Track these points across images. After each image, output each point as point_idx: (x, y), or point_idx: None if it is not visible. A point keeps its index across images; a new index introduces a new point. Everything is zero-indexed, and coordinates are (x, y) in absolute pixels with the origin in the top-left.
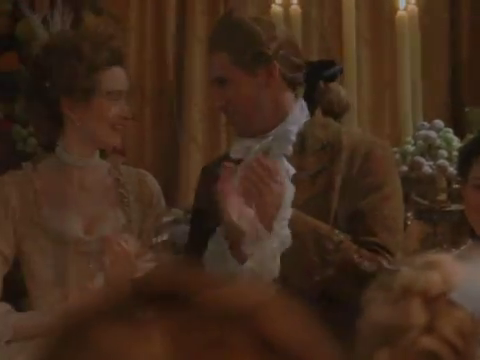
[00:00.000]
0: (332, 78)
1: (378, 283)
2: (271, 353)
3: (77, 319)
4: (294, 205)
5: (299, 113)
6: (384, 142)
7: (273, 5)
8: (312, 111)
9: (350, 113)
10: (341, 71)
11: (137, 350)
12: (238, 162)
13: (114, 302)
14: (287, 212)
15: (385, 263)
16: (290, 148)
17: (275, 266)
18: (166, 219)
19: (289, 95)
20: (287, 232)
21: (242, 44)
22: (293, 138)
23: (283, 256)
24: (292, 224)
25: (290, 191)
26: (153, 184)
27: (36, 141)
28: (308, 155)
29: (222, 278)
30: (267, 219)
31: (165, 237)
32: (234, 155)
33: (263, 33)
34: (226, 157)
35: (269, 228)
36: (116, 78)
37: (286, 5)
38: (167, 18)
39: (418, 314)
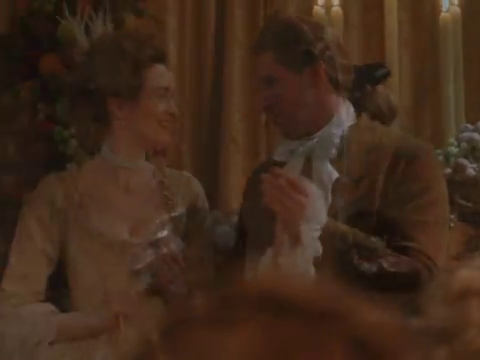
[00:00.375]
0: (379, 81)
1: (436, 283)
2: (365, 354)
3: (174, 323)
4: (336, 209)
5: (345, 116)
6: (429, 146)
7: (315, 6)
8: (358, 114)
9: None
10: (389, 74)
11: (230, 346)
12: (282, 165)
13: (208, 305)
14: (319, 220)
15: (422, 268)
16: (334, 151)
17: (309, 276)
18: (167, 215)
19: (335, 97)
20: (318, 241)
21: (289, 43)
22: (337, 141)
23: (317, 265)
24: (325, 232)
25: (321, 199)
26: (197, 186)
27: (77, 143)
28: (352, 159)
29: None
30: (293, 230)
31: (165, 233)
32: (278, 158)
33: (310, 33)
34: (271, 161)
35: (297, 239)
36: (161, 75)
37: (328, 6)
38: (206, 20)
39: (476, 314)
